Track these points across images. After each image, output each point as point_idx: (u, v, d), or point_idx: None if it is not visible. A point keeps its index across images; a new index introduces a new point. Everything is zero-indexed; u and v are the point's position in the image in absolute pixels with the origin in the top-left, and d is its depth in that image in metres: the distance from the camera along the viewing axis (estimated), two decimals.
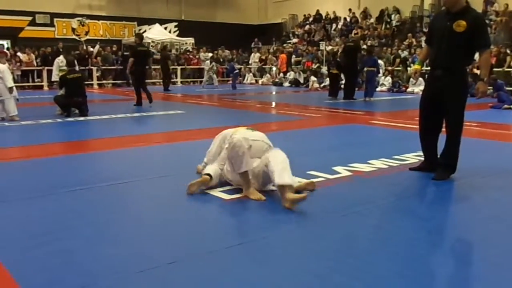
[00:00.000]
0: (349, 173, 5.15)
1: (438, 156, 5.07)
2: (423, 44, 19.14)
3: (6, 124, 9.36)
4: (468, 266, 3.00)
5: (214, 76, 21.45)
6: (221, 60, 26.24)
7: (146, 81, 13.69)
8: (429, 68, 5.20)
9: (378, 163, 5.54)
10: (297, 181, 4.44)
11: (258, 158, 4.37)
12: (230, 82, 20.91)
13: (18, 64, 19.96)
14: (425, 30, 21.38)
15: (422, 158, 5.43)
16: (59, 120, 10.06)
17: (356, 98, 14.71)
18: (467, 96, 4.96)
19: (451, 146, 4.91)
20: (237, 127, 4.93)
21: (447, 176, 4.94)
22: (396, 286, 2.62)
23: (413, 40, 21.38)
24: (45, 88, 19.72)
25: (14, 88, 9.98)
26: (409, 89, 17.92)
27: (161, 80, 20.49)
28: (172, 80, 20.67)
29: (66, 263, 2.91)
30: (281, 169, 4.08)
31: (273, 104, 15.09)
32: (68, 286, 2.61)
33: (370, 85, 15.15)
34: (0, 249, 3.10)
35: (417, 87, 17.90)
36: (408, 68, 18.72)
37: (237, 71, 21.15)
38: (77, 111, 10.73)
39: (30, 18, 24.77)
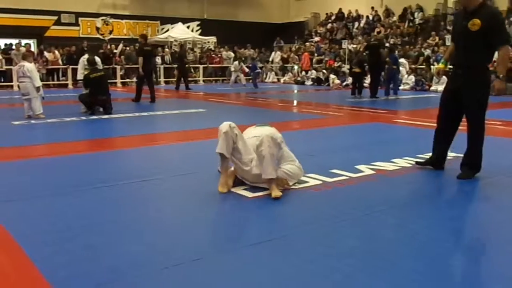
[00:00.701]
0: (372, 172, 5.12)
1: (462, 156, 5.01)
2: (448, 42, 18.95)
3: (32, 121, 9.51)
4: (491, 266, 2.95)
5: (242, 75, 21.40)
6: (243, 59, 26.27)
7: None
8: (452, 66, 5.19)
9: (402, 162, 5.49)
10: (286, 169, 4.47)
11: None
12: (251, 81, 20.80)
13: (44, 63, 20.27)
14: (449, 28, 21.12)
15: (447, 157, 5.38)
16: (83, 118, 10.19)
17: (378, 96, 14.63)
18: (487, 95, 4.86)
19: (473, 145, 4.85)
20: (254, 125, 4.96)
21: (472, 175, 4.88)
22: (419, 286, 2.60)
23: (437, 38, 21.13)
24: (70, 86, 19.99)
25: (41, 87, 10.15)
26: (432, 88, 17.72)
27: (176, 79, 20.41)
28: (188, 78, 20.61)
29: (91, 258, 2.95)
30: (264, 165, 4.18)
31: (295, 102, 15.06)
32: (93, 281, 2.65)
33: (393, 82, 15.08)
34: (26, 244, 3.15)
35: (441, 86, 17.71)
36: (432, 67, 18.51)
37: (259, 70, 21.05)
38: (101, 109, 10.86)
39: (55, 18, 25.15)
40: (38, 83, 10.03)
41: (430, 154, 5.82)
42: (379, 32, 23.40)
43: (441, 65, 5.42)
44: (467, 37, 4.71)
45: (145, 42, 14.03)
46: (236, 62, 21.61)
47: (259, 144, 4.27)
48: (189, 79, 23.85)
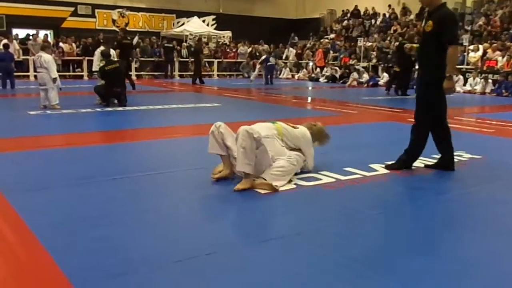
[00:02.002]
0: (386, 171, 5.10)
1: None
2: (465, 42, 18.80)
3: (48, 112, 9.60)
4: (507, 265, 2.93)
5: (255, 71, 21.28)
6: (258, 54, 26.26)
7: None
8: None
9: (416, 162, 5.44)
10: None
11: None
12: (263, 76, 20.57)
13: (60, 53, 20.40)
14: (466, 27, 20.93)
15: (462, 158, 5.53)
16: (98, 109, 10.26)
17: (409, 94, 14.61)
18: (437, 94, 4.94)
19: (416, 138, 5.10)
20: (266, 121, 4.98)
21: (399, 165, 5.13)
22: (431, 283, 2.59)
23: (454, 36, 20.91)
24: (85, 77, 20.11)
25: (58, 78, 10.24)
26: None
27: (192, 73, 20.46)
28: (202, 73, 20.63)
29: (106, 249, 2.98)
30: (236, 157, 4.30)
31: (309, 99, 15.03)
32: (108, 272, 2.67)
33: None
34: (42, 234, 3.19)
35: (457, 86, 17.58)
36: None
37: (272, 63, 20.78)
38: (116, 101, 10.92)
39: (72, 9, 25.27)
40: (55, 74, 10.12)
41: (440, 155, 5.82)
42: (395, 31, 23.22)
43: (414, 45, 5.77)
44: (424, 38, 4.99)
45: (124, 36, 15.01)
46: (263, 57, 21.33)
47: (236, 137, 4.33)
48: (203, 73, 23.94)
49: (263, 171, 4.37)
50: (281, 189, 4.28)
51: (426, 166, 5.29)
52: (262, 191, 4.22)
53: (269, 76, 19.90)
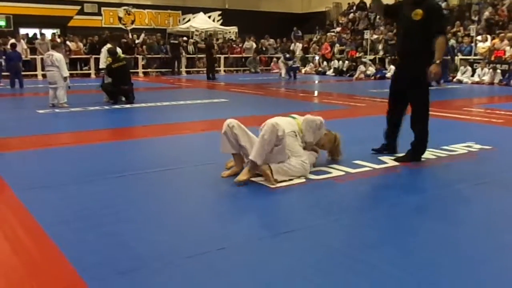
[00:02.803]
0: (396, 164, 5.07)
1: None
2: (472, 32, 18.67)
3: (57, 110, 9.64)
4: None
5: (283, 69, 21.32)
6: (264, 49, 26.21)
7: None
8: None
9: (426, 154, 5.40)
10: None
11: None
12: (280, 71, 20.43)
13: (67, 52, 20.45)
14: (473, 18, 20.76)
15: (471, 149, 5.59)
16: (106, 107, 10.29)
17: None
18: (424, 80, 5.10)
19: (416, 132, 5.15)
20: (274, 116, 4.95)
21: (415, 158, 5.18)
22: (441, 276, 2.58)
23: (461, 28, 20.76)
24: (92, 76, 20.16)
25: (68, 77, 10.30)
26: (457, 78, 17.45)
27: (205, 69, 20.51)
28: (214, 68, 20.65)
29: (117, 245, 2.98)
30: (256, 146, 4.28)
31: (317, 93, 14.98)
32: (118, 267, 2.68)
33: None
34: (53, 231, 3.20)
35: (465, 77, 17.47)
36: (455, 58, 18.25)
37: (294, 60, 20.70)
38: (123, 99, 10.95)
39: (78, 7, 25.35)
40: (66, 73, 10.21)
41: (456, 145, 5.80)
42: None
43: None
44: (410, 26, 5.05)
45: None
46: (287, 54, 21.36)
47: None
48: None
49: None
50: (285, 184, 4.27)
51: (373, 149, 5.48)
52: (271, 186, 4.20)
53: (291, 73, 19.87)
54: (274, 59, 25.15)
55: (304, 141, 4.71)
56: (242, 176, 4.29)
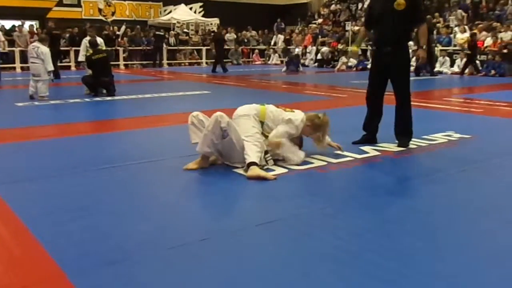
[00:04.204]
0: (378, 153, 5.11)
1: (394, 127, 5.47)
2: (451, 23, 18.80)
3: (36, 103, 9.51)
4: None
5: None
6: (246, 40, 26.12)
7: None
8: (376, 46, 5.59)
9: (411, 143, 5.46)
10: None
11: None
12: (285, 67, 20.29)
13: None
14: (453, 10, 20.92)
15: (451, 138, 5.71)
16: (87, 99, 10.18)
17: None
18: (410, 67, 5.61)
19: (405, 115, 5.37)
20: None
21: (408, 142, 5.40)
22: (428, 262, 2.61)
23: (441, 19, 20.91)
24: (73, 68, 19.91)
25: (52, 71, 10.22)
26: (436, 69, 17.59)
27: (213, 61, 19.79)
28: (224, 60, 20.00)
29: (98, 237, 2.96)
30: (202, 139, 4.43)
31: (299, 84, 14.98)
32: (100, 260, 2.65)
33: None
34: (33, 224, 3.16)
35: (445, 68, 17.61)
36: (435, 48, 18.39)
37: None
38: (104, 91, 10.84)
39: None
40: (51, 67, 10.21)
41: (436, 134, 5.86)
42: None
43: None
44: (393, 16, 5.14)
45: (54, 27, 16.00)
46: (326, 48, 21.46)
47: None
48: (193, 61, 23.80)
49: (234, 158, 4.44)
50: (272, 174, 4.27)
51: (354, 142, 5.52)
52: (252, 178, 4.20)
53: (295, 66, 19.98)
54: (256, 50, 25.13)
55: (264, 129, 4.69)
56: (192, 165, 4.48)
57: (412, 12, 5.15)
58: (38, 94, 9.94)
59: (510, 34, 17.03)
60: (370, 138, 5.54)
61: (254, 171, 4.18)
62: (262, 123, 4.67)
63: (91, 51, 11.12)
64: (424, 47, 5.49)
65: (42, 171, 4.47)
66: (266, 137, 4.63)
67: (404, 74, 5.39)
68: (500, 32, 17.40)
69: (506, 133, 6.42)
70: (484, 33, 17.86)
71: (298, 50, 24.03)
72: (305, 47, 23.96)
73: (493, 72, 16.04)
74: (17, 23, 20.79)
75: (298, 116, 4.78)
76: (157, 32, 22.41)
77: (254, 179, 4.12)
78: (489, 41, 17.46)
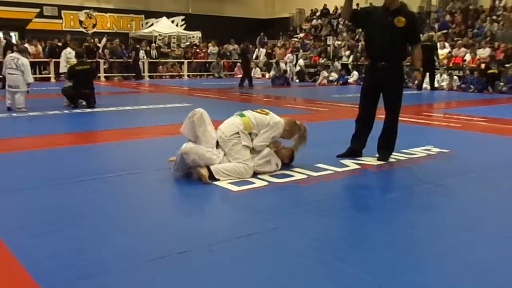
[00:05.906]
0: (357, 166, 5.14)
1: (378, 140, 5.51)
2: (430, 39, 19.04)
3: (14, 114, 9.39)
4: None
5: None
6: (228, 53, 26.18)
7: None
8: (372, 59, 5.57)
9: (392, 157, 5.50)
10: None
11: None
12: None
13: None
14: (433, 25, 21.27)
15: (430, 152, 5.79)
16: (66, 111, 10.08)
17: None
18: (403, 85, 5.66)
19: (392, 130, 5.45)
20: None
21: (389, 156, 5.44)
22: (411, 279, 2.61)
23: (421, 36, 21.22)
24: (52, 80, 19.73)
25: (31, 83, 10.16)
26: (416, 84, 17.79)
27: (241, 76, 19.45)
28: (251, 75, 19.59)
29: (76, 250, 2.91)
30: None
31: (280, 98, 15.03)
32: (78, 273, 2.61)
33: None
34: (8, 237, 3.10)
35: (425, 83, 17.84)
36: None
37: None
38: (84, 103, 10.74)
39: (37, 10, 24.78)
40: (31, 79, 10.18)
41: (415, 149, 5.92)
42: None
43: None
44: (392, 32, 5.16)
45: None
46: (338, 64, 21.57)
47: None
48: (174, 74, 23.75)
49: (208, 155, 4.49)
50: (247, 187, 4.28)
51: (338, 155, 5.52)
52: (235, 189, 4.19)
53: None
54: (238, 64, 25.17)
55: (252, 139, 4.76)
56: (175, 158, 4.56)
57: (410, 31, 5.20)
58: (15, 105, 9.81)
59: (488, 51, 17.39)
60: (356, 151, 5.53)
61: (202, 172, 4.34)
62: (250, 134, 4.74)
63: (75, 62, 11.03)
64: (421, 68, 5.75)
65: (18, 183, 4.40)
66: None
67: (396, 91, 5.39)
68: (479, 49, 17.76)
69: (484, 148, 6.51)
70: (462, 49, 18.20)
71: (283, 65, 24.16)
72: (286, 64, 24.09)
73: (472, 88, 16.30)
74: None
75: (277, 119, 4.92)
76: (137, 45, 22.37)
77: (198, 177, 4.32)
78: (468, 57, 17.79)
